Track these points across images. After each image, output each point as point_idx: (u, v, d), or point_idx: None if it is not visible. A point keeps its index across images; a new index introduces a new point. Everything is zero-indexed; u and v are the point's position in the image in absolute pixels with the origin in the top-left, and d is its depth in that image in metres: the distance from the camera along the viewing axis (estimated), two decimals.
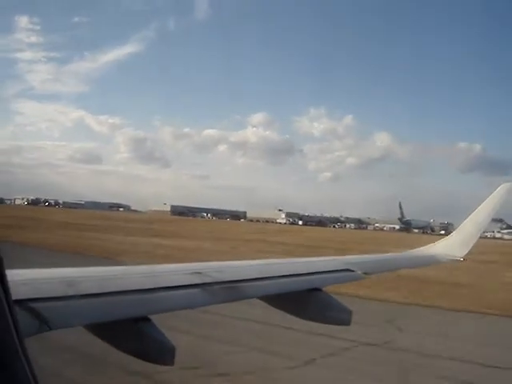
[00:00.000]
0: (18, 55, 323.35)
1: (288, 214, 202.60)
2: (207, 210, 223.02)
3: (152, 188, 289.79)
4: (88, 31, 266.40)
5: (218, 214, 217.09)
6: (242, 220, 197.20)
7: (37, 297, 2.59)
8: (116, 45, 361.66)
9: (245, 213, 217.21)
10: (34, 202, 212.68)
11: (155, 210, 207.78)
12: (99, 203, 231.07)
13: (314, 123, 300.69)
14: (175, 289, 3.44)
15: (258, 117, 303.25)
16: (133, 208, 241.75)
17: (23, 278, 2.78)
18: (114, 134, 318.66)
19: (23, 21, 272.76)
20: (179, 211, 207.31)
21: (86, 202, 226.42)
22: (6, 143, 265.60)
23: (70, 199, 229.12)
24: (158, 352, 3.19)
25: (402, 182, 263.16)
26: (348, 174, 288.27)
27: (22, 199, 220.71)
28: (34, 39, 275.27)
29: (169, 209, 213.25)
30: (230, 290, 3.64)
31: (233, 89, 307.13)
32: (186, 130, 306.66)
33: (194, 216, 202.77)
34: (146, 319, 3.10)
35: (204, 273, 3.73)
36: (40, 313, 2.49)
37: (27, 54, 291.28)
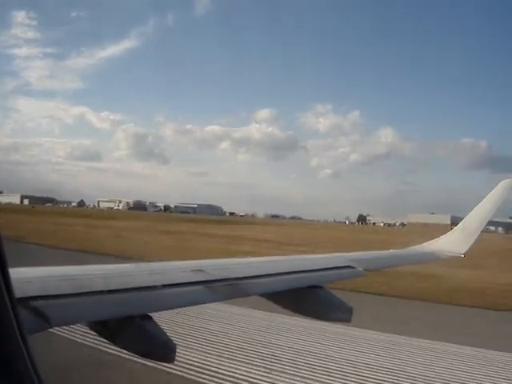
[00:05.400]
0: (15, 51, 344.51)
1: None
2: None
3: (149, 185, 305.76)
4: (85, 26, 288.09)
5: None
6: None
7: (37, 295, 2.81)
8: (114, 40, 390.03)
9: None
10: (138, 207, 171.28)
11: (412, 223, 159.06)
12: (212, 207, 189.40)
13: (320, 119, 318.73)
14: (177, 286, 3.65)
15: (263, 113, 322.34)
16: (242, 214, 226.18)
17: (24, 276, 3.01)
18: (115, 130, 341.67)
19: (20, 16, 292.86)
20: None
21: (199, 206, 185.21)
22: (5, 140, 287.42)
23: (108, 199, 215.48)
24: (159, 349, 3.40)
25: (405, 178, 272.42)
26: (350, 171, 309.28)
27: (119, 202, 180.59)
28: (30, 35, 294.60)
29: (433, 220, 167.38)
30: (232, 288, 3.87)
31: (238, 85, 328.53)
32: (189, 126, 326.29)
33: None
34: (147, 317, 3.32)
35: (205, 270, 4.00)
36: (41, 310, 2.62)
37: (24, 50, 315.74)
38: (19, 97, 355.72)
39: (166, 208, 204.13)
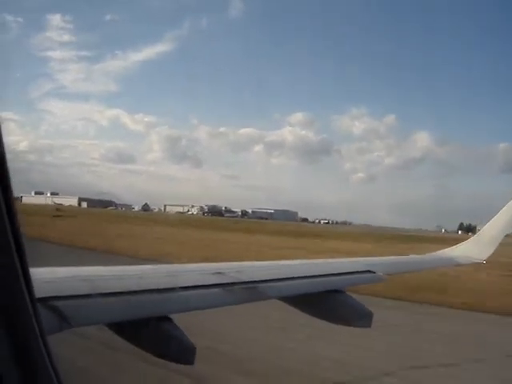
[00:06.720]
0: (50, 54, 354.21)
1: None
2: None
3: (182, 188, 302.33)
4: (120, 29, 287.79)
5: None
6: None
7: (58, 295, 2.93)
8: (148, 43, 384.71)
9: None
10: (213, 212, 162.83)
11: None
12: (288, 212, 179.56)
13: (355, 122, 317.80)
14: (196, 288, 3.75)
15: (297, 116, 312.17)
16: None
17: (45, 277, 3.12)
18: (148, 133, 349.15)
19: (56, 19, 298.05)
20: None
21: (276, 212, 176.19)
22: (39, 142, 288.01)
23: (174, 203, 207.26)
24: (179, 351, 3.46)
25: (441, 182, 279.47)
26: (385, 175, 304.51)
27: (191, 207, 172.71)
28: (66, 38, 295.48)
29: None
30: (250, 291, 3.94)
31: (273, 87, 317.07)
32: (222, 129, 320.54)
33: None
34: (167, 318, 3.42)
35: (224, 273, 4.07)
36: (61, 311, 2.73)
37: (58, 53, 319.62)
38: (54, 99, 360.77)
39: (244, 214, 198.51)
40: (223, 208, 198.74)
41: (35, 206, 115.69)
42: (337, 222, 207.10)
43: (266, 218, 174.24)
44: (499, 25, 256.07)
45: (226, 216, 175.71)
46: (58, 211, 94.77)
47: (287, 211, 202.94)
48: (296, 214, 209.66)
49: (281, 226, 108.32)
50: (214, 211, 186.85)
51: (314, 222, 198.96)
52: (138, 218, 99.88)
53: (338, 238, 69.59)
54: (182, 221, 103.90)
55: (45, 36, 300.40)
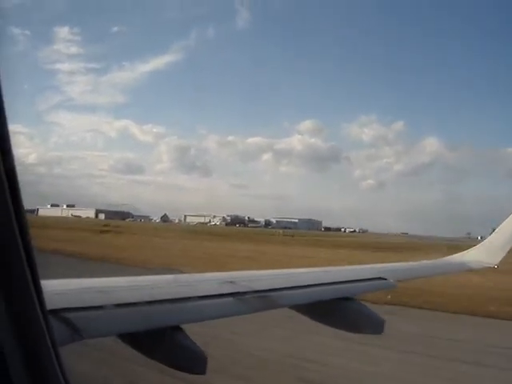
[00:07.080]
0: (58, 66, 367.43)
1: None
2: None
3: (191, 197, 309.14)
4: (127, 41, 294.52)
5: None
6: None
7: (70, 306, 2.98)
8: (156, 54, 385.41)
9: None
10: (237, 222, 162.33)
11: None
12: (312, 221, 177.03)
13: (364, 129, 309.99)
14: (208, 298, 3.78)
15: (306, 124, 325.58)
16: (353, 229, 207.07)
17: (57, 288, 3.18)
18: (157, 143, 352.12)
19: (63, 32, 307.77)
20: None
21: (300, 221, 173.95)
22: (48, 154, 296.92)
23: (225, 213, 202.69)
24: (190, 361, 3.50)
25: (450, 188, 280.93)
26: (394, 181, 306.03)
27: (213, 217, 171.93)
28: (74, 50, 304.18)
29: None
30: (262, 299, 3.96)
31: (281, 96, 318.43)
32: (231, 138, 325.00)
33: None
34: (178, 328, 3.45)
35: (236, 282, 4.08)
36: (73, 322, 2.77)
37: (66, 66, 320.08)
38: (62, 111, 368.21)
39: (267, 223, 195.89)
40: (246, 218, 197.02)
41: (65, 218, 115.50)
42: (361, 231, 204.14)
43: (290, 228, 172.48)
44: (505, 27, 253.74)
45: (250, 226, 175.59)
46: (106, 226, 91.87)
47: (311, 220, 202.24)
48: (320, 223, 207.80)
49: (328, 238, 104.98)
50: (237, 221, 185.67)
51: (339, 231, 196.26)
52: (177, 231, 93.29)
53: (414, 249, 53.28)
54: (218, 232, 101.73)
55: (53, 48, 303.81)
